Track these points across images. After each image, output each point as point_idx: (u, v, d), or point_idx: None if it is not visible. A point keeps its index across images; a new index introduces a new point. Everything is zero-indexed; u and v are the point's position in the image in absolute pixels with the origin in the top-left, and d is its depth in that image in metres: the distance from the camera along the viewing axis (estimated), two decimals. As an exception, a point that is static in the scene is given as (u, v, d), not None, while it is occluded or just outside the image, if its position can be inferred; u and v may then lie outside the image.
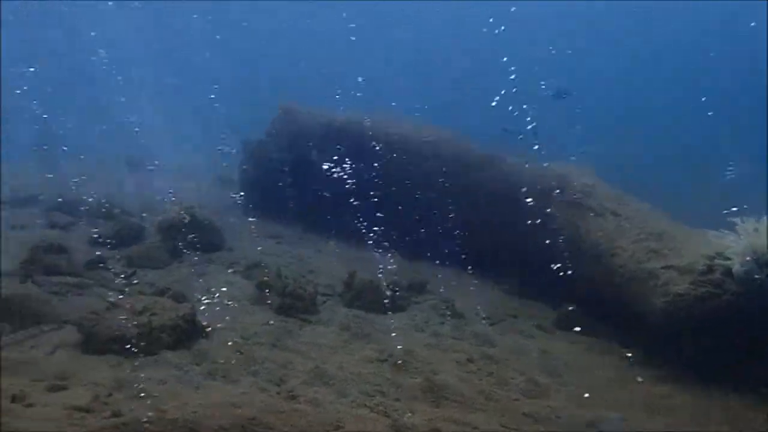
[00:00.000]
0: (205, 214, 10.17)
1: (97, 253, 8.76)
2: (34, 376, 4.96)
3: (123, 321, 5.83)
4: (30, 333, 5.86)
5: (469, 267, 9.61)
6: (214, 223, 10.17)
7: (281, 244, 10.97)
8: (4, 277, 7.53)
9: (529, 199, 10.00)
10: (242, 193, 13.89)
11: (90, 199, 12.37)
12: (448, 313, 8.22)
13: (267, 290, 7.79)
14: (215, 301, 7.48)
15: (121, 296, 6.74)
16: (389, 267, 9.24)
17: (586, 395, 5.95)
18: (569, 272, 7.82)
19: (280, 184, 12.10)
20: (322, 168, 11.39)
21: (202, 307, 7.05)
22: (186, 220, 9.52)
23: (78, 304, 6.81)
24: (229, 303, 7.47)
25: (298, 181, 12.02)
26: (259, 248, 10.00)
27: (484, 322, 8.07)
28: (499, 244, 9.92)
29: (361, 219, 10.22)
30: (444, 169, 10.62)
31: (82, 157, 17.16)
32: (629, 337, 7.60)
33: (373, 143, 11.06)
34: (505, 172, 10.39)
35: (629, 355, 7.21)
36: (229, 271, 8.93)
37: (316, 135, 11.90)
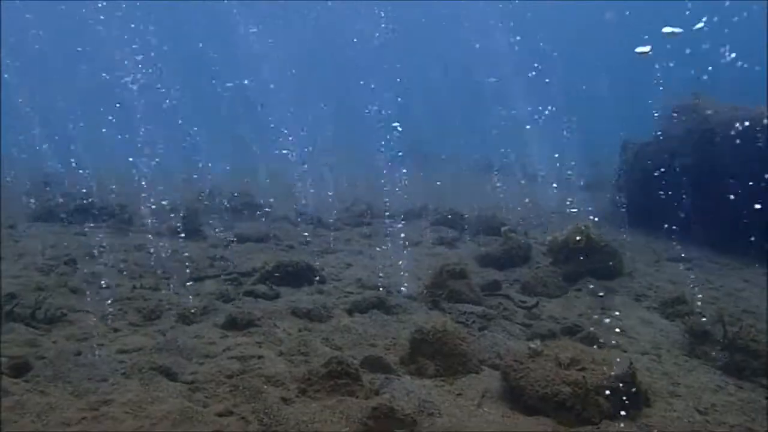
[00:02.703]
0: (600, 233, 8.96)
1: (494, 278, 8.38)
2: (473, 435, 4.44)
3: (551, 375, 5.00)
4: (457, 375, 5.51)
5: None
6: (611, 244, 8.87)
7: (691, 270, 9.05)
8: (414, 301, 7.65)
9: None
10: (624, 203, 12.33)
11: (467, 215, 12.52)
12: None
13: (704, 340, 6.14)
14: (640, 349, 6.18)
15: (538, 341, 5.97)
16: None
17: None
18: None
19: (680, 194, 10.17)
20: (747, 176, 9.06)
21: (626, 355, 5.85)
22: (582, 242, 8.47)
23: (489, 341, 6.31)
24: (658, 353, 6.08)
25: (705, 191, 9.88)
26: (666, 276, 8.37)
27: None
28: None
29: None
30: None
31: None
32: None
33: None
34: None
35: None
36: (641, 305, 7.53)
37: (734, 135, 9.58)
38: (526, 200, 13.30)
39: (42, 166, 16.20)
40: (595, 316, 7.06)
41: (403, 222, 12.09)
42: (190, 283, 8.08)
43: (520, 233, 10.36)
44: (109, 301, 7.03)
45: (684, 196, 10.13)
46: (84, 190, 12.15)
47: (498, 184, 16.22)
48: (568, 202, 13.89)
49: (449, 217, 12.20)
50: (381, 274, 8.91)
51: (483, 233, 11.12)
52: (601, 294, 7.72)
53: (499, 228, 10.86)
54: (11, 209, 11.24)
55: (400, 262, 9.33)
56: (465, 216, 12.34)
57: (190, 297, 7.44)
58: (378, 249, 10.41)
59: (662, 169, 10.71)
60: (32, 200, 11.88)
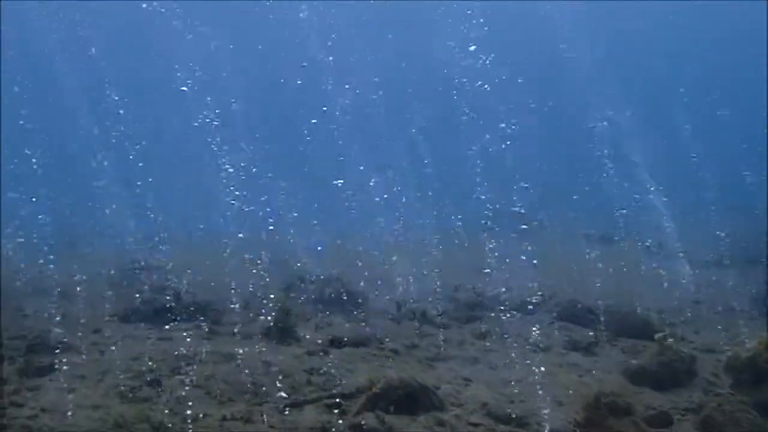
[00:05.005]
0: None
1: (659, 407, 6.59)
2: None
3: None
4: None
5: None
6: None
7: None
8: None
9: None
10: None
11: (595, 303, 10.77)
12: None
13: None
14: None
15: None
16: None
17: None
18: None
19: None
20: None
21: None
22: (778, 363, 6.56)
23: None
24: None
25: None
26: None
27: None
28: None
29: None
30: None
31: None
32: None
33: None
34: None
35: None
36: None
37: None
38: (663, 284, 11.38)
39: (129, 249, 15.90)
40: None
41: (519, 316, 10.47)
42: (287, 410, 6.85)
43: (676, 337, 8.49)
44: (195, 445, 5.90)
45: None
46: (169, 282, 11.50)
47: (616, 261, 14.31)
48: (709, 287, 11.87)
49: (576, 310, 10.47)
50: (510, 396, 7.33)
51: (623, 334, 9.31)
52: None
53: (643, 327, 9.08)
54: (98, 307, 10.64)
55: (530, 378, 7.73)
56: (594, 308, 10.54)
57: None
58: (498, 355, 8.86)
59: None
60: (119, 294, 11.33)
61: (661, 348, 7.82)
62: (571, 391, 7.39)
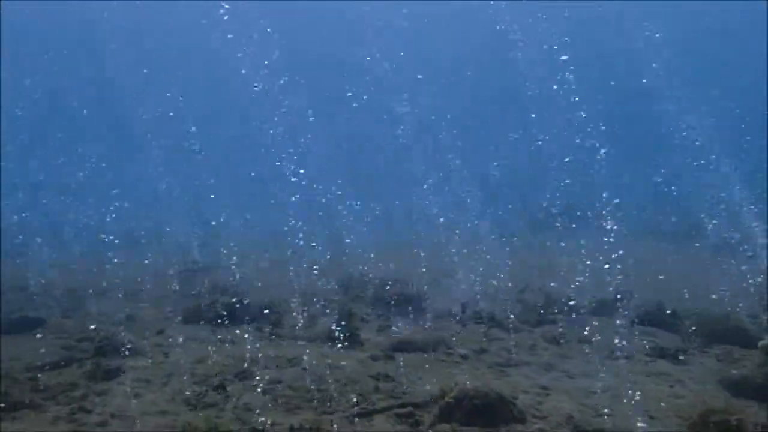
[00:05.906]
0: None
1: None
2: None
3: None
4: None
5: None
6: None
7: None
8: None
9: None
10: None
11: (684, 304, 9.96)
12: None
13: None
14: None
15: None
16: None
17: None
18: None
19: None
20: None
21: None
22: None
23: None
24: None
25: None
26: None
27: None
28: None
29: None
30: None
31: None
32: None
33: None
34: None
35: None
36: None
37: None
38: (750, 284, 10.47)
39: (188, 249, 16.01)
40: None
41: (593, 318, 9.84)
42: (356, 419, 6.50)
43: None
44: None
45: None
46: (228, 283, 11.38)
47: (695, 258, 13.42)
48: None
49: (657, 312, 9.73)
50: (595, 408, 6.76)
51: (715, 340, 8.55)
52: None
53: (738, 333, 8.31)
54: (160, 307, 10.60)
55: (615, 388, 7.13)
56: (678, 310, 9.77)
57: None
58: (574, 362, 8.28)
59: None
60: (179, 294, 11.31)
61: (766, 356, 7.09)
62: (663, 404, 6.78)
